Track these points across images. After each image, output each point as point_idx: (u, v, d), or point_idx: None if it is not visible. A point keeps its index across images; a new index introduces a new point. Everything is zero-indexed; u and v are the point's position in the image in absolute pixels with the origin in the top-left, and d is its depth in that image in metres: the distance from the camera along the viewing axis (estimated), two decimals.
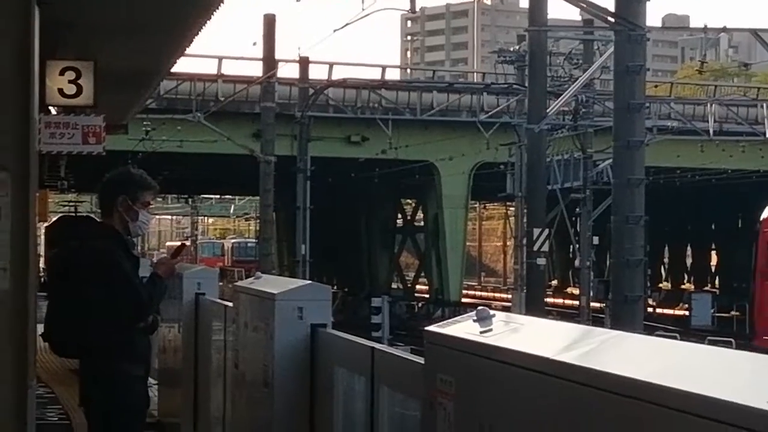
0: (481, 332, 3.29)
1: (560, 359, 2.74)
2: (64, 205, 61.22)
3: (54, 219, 41.93)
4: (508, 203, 40.30)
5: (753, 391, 2.02)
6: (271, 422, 5.85)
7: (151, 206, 6.53)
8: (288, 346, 5.74)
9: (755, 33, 22.59)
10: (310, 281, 6.31)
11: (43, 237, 40.45)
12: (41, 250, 48.68)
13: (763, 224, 23.46)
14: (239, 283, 7.04)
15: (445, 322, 3.63)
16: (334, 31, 24.17)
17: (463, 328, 3.43)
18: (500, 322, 3.37)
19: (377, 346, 4.86)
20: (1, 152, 5.23)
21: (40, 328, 7.47)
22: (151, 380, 8.55)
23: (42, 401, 12.31)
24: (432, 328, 3.62)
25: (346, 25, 22.15)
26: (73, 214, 43.12)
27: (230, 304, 7.65)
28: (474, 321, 3.40)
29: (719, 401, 2.05)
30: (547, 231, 24.26)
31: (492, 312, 3.42)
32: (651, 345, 2.78)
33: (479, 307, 3.46)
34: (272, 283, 6.44)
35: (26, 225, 5.18)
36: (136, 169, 6.56)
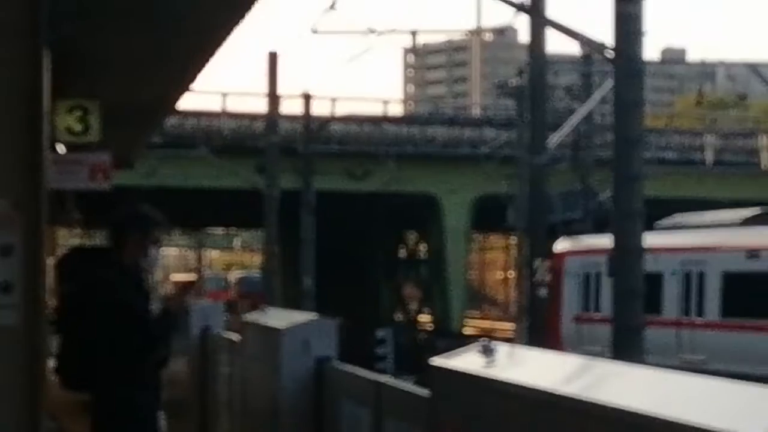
0: (485, 365, 3.34)
1: (564, 391, 2.79)
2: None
3: (65, 252, 41.84)
4: (509, 234, 40.43)
5: (749, 421, 2.08)
6: None
7: (160, 243, 6.61)
8: (294, 379, 5.79)
9: (752, 67, 22.70)
10: (315, 315, 6.38)
11: (53, 270, 40.43)
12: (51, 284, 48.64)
13: (559, 256, 28.99)
14: (246, 317, 7.11)
15: (449, 354, 3.69)
16: (340, 66, 24.36)
17: (468, 360, 3.48)
18: (504, 355, 3.43)
19: (383, 379, 4.92)
20: (12, 190, 5.32)
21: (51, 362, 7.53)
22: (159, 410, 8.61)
23: None
24: (436, 360, 3.68)
25: (351, 59, 22.32)
26: (84, 246, 43.09)
27: (236, 337, 7.71)
28: (478, 353, 3.46)
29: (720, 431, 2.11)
30: (548, 262, 24.30)
31: (495, 344, 3.48)
32: (654, 376, 2.83)
33: (483, 340, 3.53)
34: (278, 317, 6.51)
35: (37, 261, 5.26)
36: (147, 206, 6.65)
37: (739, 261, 23.46)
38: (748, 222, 25.46)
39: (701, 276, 24.37)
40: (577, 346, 26.16)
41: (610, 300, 22.92)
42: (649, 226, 19.44)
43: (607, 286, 24.56)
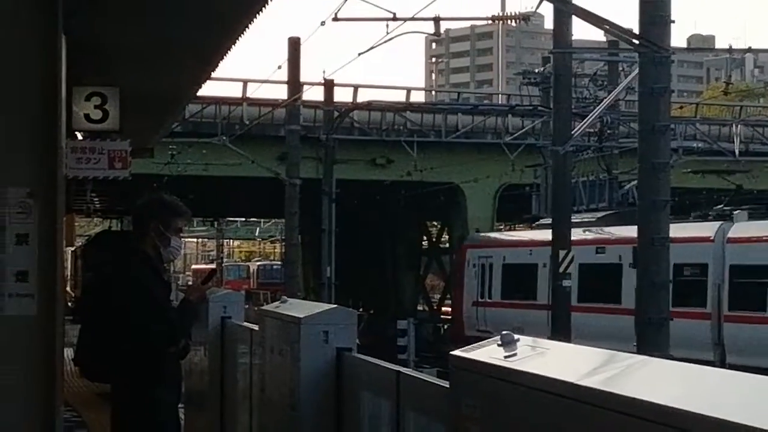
0: (506, 357, 3.29)
1: (585, 384, 2.74)
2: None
3: (87, 241, 42.01)
4: (533, 225, 40.33)
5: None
6: None
7: (182, 232, 6.56)
8: (313, 370, 5.75)
9: None
10: (335, 305, 6.32)
11: (75, 259, 40.73)
12: (71, 270, 48.93)
13: (462, 248, 35.39)
14: (265, 307, 7.06)
15: (469, 346, 3.63)
16: (359, 54, 24.22)
17: (488, 352, 3.43)
18: (525, 347, 3.37)
19: (403, 370, 4.86)
20: (28, 178, 5.28)
21: (69, 352, 7.51)
22: (179, 404, 8.57)
23: (69, 425, 12.34)
24: (457, 352, 3.62)
25: (371, 48, 22.22)
26: (112, 230, 42.99)
27: (256, 327, 7.67)
28: (498, 345, 3.40)
29: (743, 427, 2.05)
30: (572, 253, 24.19)
31: (516, 336, 3.42)
32: (677, 370, 2.78)
33: (504, 332, 3.46)
34: (298, 307, 6.45)
35: (53, 251, 5.22)
36: (169, 196, 6.60)
37: (591, 254, 28.59)
38: (600, 222, 31.01)
39: None
40: (474, 327, 31.40)
41: (500, 287, 32.44)
42: (680, 214, 20.06)
43: (497, 275, 33.11)
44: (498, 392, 3.21)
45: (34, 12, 5.47)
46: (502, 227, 49.96)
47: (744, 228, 26.09)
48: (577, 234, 27.72)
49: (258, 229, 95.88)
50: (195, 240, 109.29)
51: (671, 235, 20.77)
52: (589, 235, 29.78)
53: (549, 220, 29.83)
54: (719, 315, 25.57)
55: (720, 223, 26.90)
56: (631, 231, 24.84)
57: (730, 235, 25.98)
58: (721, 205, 29.47)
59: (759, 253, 24.88)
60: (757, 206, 29.10)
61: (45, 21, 5.31)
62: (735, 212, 27.61)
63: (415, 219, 50.99)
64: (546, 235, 27.95)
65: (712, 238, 26.28)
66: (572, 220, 29.15)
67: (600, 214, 31.78)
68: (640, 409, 2.42)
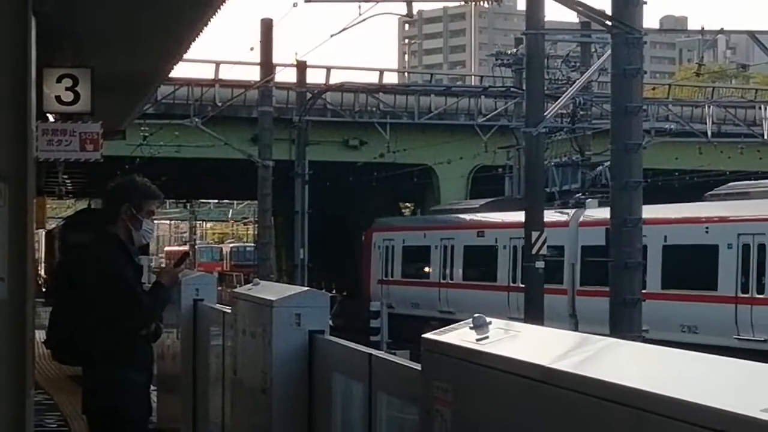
0: (478, 339, 3.29)
1: (556, 367, 2.74)
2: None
3: (72, 215, 41.70)
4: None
5: (747, 400, 2.02)
6: (270, 428, 5.85)
7: (154, 215, 6.53)
8: (286, 353, 5.74)
9: (752, 35, 22.62)
10: (308, 288, 6.31)
11: (55, 237, 40.55)
12: (45, 252, 48.62)
13: (368, 232, 39.94)
14: (237, 290, 7.04)
15: (442, 329, 3.63)
16: (331, 36, 24.14)
17: (460, 335, 3.43)
18: (497, 330, 3.37)
19: (375, 352, 4.86)
20: None
21: (40, 335, 7.48)
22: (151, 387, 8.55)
23: (40, 408, 12.30)
24: (429, 335, 3.62)
25: (343, 30, 22.17)
26: (93, 208, 42.62)
27: (228, 310, 7.65)
28: (471, 328, 3.40)
29: (713, 409, 2.06)
30: (545, 234, 24.24)
31: (488, 319, 3.42)
32: (647, 353, 2.78)
33: (476, 315, 3.46)
34: (270, 290, 6.44)
35: (24, 234, 5.18)
36: (141, 178, 6.57)
37: (473, 238, 33.56)
38: (482, 208, 35.30)
39: (452, 248, 34.72)
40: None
41: (400, 267, 37.73)
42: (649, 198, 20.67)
43: (398, 256, 37.98)
44: (469, 375, 3.21)
45: None
46: None
47: (593, 214, 29.35)
48: (462, 220, 34.52)
49: (231, 210, 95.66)
50: (168, 222, 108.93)
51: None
52: (473, 221, 34.56)
53: (450, 206, 37.25)
54: (573, 290, 29.52)
55: (575, 210, 30.65)
56: (507, 217, 31.79)
57: (582, 219, 29.78)
58: (579, 194, 33.05)
59: (601, 235, 25.79)
60: (608, 194, 30.49)
61: (14, 2, 5.25)
62: (587, 200, 31.32)
63: (388, 200, 50.96)
64: (441, 220, 35.40)
65: (568, 222, 30.02)
66: (458, 207, 36.57)
67: (482, 202, 36.18)
68: (611, 392, 2.42)
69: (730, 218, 25.61)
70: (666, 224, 26.59)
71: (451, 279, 34.67)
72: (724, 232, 25.46)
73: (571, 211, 30.69)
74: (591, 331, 22.62)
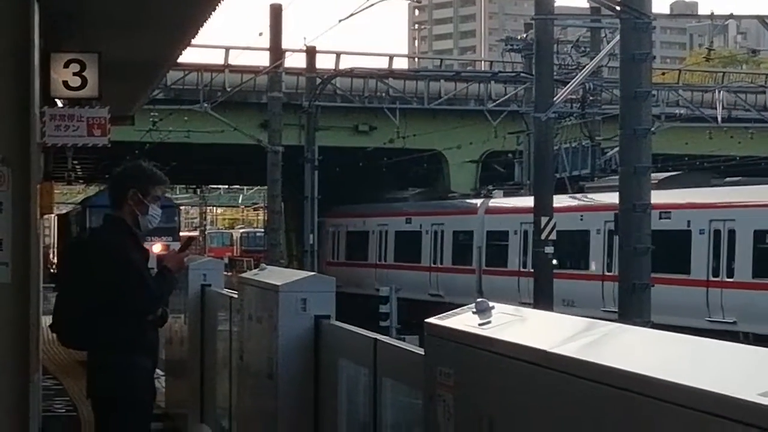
0: (480, 324, 3.28)
1: (558, 351, 2.74)
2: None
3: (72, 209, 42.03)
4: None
5: (746, 384, 2.02)
6: (276, 412, 5.86)
7: (161, 200, 6.52)
8: (292, 338, 5.75)
9: (762, 20, 22.51)
10: (313, 273, 6.31)
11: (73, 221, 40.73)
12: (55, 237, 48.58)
13: (325, 217, 40.74)
14: (244, 275, 7.04)
15: (445, 314, 3.63)
16: (340, 21, 24.11)
17: (463, 320, 3.43)
18: (499, 314, 3.37)
19: (379, 337, 4.86)
20: (1, 146, 5.22)
21: (48, 319, 7.50)
22: (158, 371, 8.56)
23: (49, 393, 12.34)
24: (432, 320, 3.62)
25: (352, 15, 22.11)
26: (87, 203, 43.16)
27: (235, 295, 7.65)
28: (473, 313, 3.40)
29: (713, 394, 2.05)
30: (554, 220, 24.20)
31: (491, 304, 3.41)
32: (650, 338, 2.78)
33: (479, 299, 3.46)
34: (276, 275, 6.44)
35: (27, 219, 5.17)
36: (147, 163, 6.57)
37: (402, 224, 38.23)
38: (413, 198, 40.13)
39: (386, 233, 39.17)
40: None
41: (344, 250, 41.92)
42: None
43: (343, 240, 42.26)
44: (472, 359, 3.21)
45: None
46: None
47: (497, 203, 34.27)
48: (395, 209, 39.29)
49: (241, 196, 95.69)
50: (179, 208, 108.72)
51: (451, 209, 34.17)
52: (403, 210, 39.09)
53: (398, 195, 41.34)
54: (480, 270, 33.51)
55: (483, 199, 35.30)
56: (431, 207, 37.54)
57: (488, 207, 34.16)
58: (490, 186, 37.90)
59: (502, 222, 32.81)
60: (512, 186, 37.03)
61: None
62: (493, 191, 36.17)
63: (398, 185, 50.92)
64: (382, 209, 39.95)
65: (476, 210, 34.43)
66: (390, 196, 40.86)
67: (412, 192, 41.04)
68: (612, 377, 2.42)
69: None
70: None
71: (384, 260, 39.18)
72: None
73: (480, 201, 35.33)
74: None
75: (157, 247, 27.30)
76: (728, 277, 25.38)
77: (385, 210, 40.24)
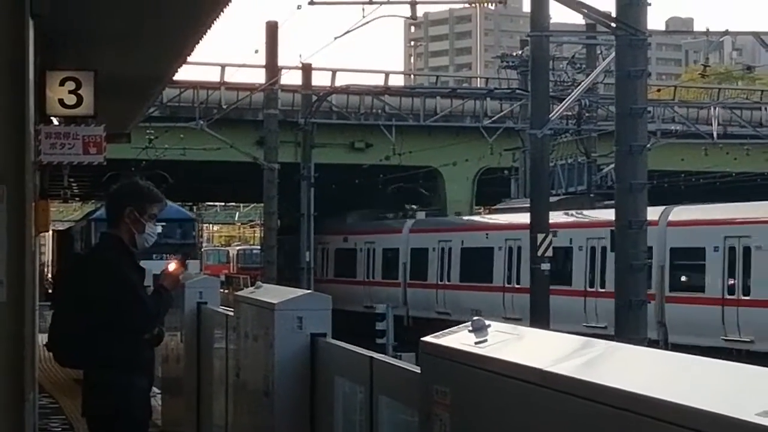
0: (476, 343, 3.27)
1: (555, 371, 2.73)
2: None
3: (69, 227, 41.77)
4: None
5: (743, 404, 2.01)
6: (272, 430, 5.84)
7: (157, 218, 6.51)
8: (288, 356, 5.73)
9: (758, 36, 22.57)
10: (309, 291, 6.30)
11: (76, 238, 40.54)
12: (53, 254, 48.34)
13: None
14: (240, 293, 7.03)
15: (441, 332, 3.61)
16: (335, 38, 24.13)
17: (459, 338, 3.41)
18: (496, 333, 3.35)
19: (375, 355, 4.85)
20: None
21: (44, 337, 7.47)
22: (154, 389, 8.53)
23: (45, 411, 12.30)
24: (428, 338, 3.60)
25: (347, 32, 22.14)
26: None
27: (231, 312, 7.64)
28: (469, 331, 3.38)
29: (710, 414, 2.04)
30: (551, 236, 24.19)
31: (488, 322, 3.40)
32: (646, 356, 2.76)
33: (474, 318, 3.44)
34: (272, 293, 6.43)
35: (22, 236, 5.16)
36: (144, 182, 6.56)
37: (341, 242, 42.78)
38: (350, 219, 44.31)
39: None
40: None
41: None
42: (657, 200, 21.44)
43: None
44: (468, 378, 3.20)
45: None
46: (480, 211, 50.14)
47: (419, 223, 39.61)
48: (335, 229, 42.60)
49: (237, 213, 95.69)
50: None
51: (381, 231, 40.34)
52: (342, 231, 43.26)
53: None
54: (405, 283, 38.12)
55: (407, 220, 40.59)
56: (365, 227, 42.11)
57: (411, 228, 38.90)
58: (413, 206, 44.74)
59: (424, 240, 37.41)
60: (434, 210, 42.83)
61: (11, 4, 5.23)
62: (417, 212, 42.45)
63: (393, 202, 50.94)
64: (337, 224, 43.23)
65: (401, 230, 39.16)
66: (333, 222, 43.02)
67: (352, 219, 44.59)
68: (609, 396, 2.41)
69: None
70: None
71: (325, 276, 43.07)
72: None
73: (406, 221, 40.21)
74: (415, 313, 34.80)
75: (172, 267, 27.18)
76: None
77: (360, 228, 43.13)
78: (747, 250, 25.11)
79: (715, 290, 25.84)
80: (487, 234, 34.41)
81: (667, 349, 21.07)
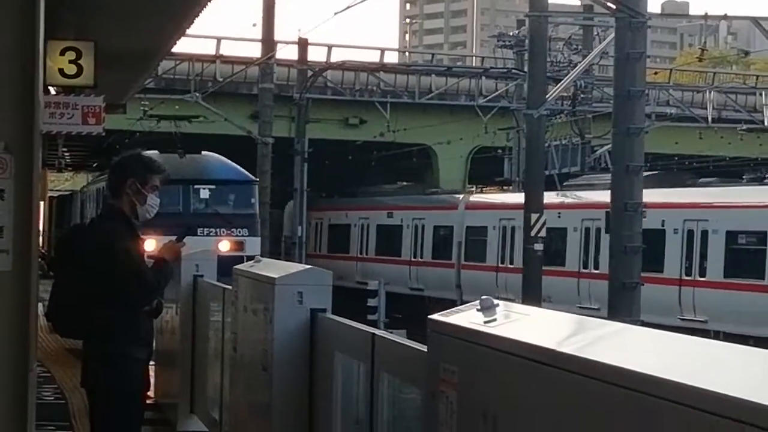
0: (485, 322, 3.28)
1: (562, 350, 2.74)
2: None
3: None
4: (504, 187, 40.65)
5: (760, 387, 2.02)
6: (270, 405, 5.86)
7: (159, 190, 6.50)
8: (287, 331, 5.74)
9: (755, 21, 22.57)
10: (310, 266, 6.30)
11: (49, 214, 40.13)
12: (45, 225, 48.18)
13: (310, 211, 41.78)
14: (239, 266, 7.03)
15: (448, 310, 3.63)
16: (335, 14, 24.09)
17: (467, 317, 3.42)
18: (504, 312, 3.37)
19: (378, 332, 4.86)
20: (3, 133, 5.20)
21: (39, 307, 7.47)
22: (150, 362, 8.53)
23: (38, 381, 12.29)
24: (436, 316, 3.62)
25: (347, 8, 22.09)
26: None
27: (227, 286, 7.64)
28: (478, 310, 3.40)
29: (716, 394, 2.06)
30: (544, 216, 24.22)
31: (496, 302, 3.41)
32: (652, 337, 2.78)
33: (483, 297, 3.46)
34: (272, 267, 6.43)
35: (29, 206, 5.16)
36: (146, 153, 6.55)
37: (384, 218, 39.69)
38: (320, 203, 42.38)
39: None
40: None
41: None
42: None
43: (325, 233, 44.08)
44: (476, 357, 3.21)
45: None
46: (473, 189, 50.07)
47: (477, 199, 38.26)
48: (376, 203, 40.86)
49: None
50: None
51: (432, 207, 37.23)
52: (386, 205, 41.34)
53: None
54: (459, 265, 35.04)
55: (464, 195, 38.32)
56: (412, 202, 39.24)
57: (467, 204, 35.95)
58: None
59: (482, 218, 34.64)
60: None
61: None
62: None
63: (386, 180, 50.93)
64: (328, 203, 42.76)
65: (456, 207, 35.97)
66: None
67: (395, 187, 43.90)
68: (615, 375, 2.43)
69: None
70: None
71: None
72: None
73: (461, 196, 37.90)
74: (469, 298, 29.15)
75: (224, 245, 23.47)
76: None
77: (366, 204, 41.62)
78: (704, 234, 25.14)
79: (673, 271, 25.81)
80: (559, 213, 29.96)
81: None
